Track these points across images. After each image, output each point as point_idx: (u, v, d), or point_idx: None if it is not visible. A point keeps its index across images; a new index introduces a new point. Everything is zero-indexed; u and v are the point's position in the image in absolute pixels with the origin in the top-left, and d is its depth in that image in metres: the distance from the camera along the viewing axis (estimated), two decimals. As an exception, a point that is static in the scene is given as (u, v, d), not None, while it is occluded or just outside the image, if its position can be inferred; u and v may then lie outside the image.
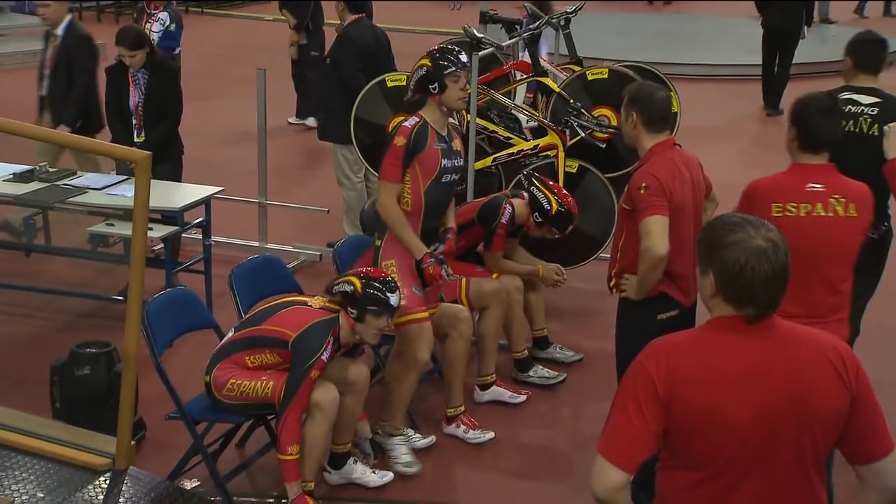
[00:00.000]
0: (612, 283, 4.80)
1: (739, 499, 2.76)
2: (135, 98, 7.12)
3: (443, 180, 5.21)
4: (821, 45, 14.77)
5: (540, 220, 5.88)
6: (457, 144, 5.32)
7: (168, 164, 7.06)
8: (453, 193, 5.42)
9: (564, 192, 6.06)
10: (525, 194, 6.01)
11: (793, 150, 4.41)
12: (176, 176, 7.22)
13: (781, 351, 2.74)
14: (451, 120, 5.47)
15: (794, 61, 12.68)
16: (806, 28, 12.40)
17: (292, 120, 11.67)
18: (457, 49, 5.28)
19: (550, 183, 6.06)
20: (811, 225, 4.20)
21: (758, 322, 2.74)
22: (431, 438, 5.49)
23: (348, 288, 4.80)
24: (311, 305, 4.87)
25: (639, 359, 2.80)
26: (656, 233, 4.51)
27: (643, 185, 4.56)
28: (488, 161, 6.70)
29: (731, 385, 2.70)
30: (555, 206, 5.91)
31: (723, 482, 2.75)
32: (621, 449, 2.73)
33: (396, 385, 5.31)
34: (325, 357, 4.68)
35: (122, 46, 7.04)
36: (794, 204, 4.26)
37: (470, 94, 5.22)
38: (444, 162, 5.19)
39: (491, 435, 5.56)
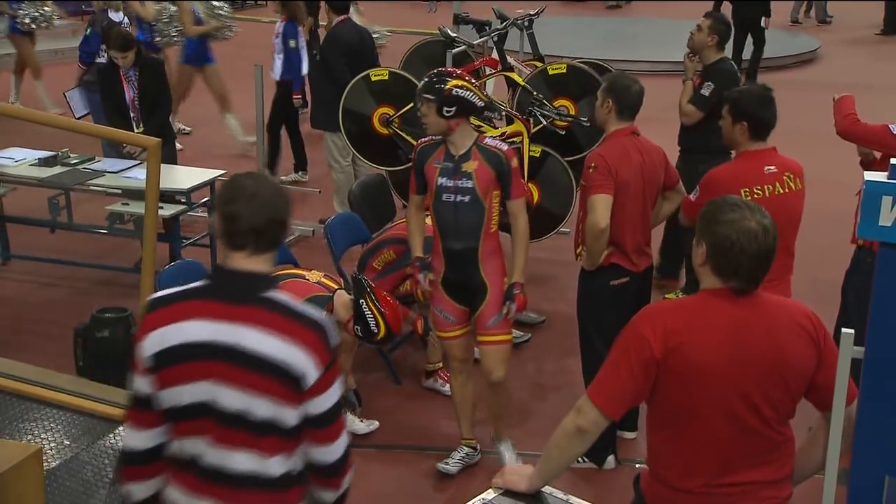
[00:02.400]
0: (578, 251, 4.83)
1: (714, 444, 2.78)
2: (129, 94, 7.02)
3: (442, 199, 4.52)
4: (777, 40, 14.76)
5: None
6: (470, 166, 4.48)
7: (165, 149, 6.99)
8: (470, 217, 4.51)
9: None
10: None
11: (742, 141, 4.42)
12: (173, 159, 7.14)
13: (762, 316, 2.77)
14: (491, 142, 4.58)
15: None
16: (765, 18, 12.46)
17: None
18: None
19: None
20: (775, 203, 4.17)
21: (744, 295, 2.77)
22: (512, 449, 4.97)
23: (373, 326, 4.81)
24: (307, 279, 4.85)
25: (634, 322, 2.82)
26: (599, 208, 4.53)
27: (592, 165, 4.58)
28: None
29: (719, 344, 2.73)
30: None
31: (702, 432, 2.77)
32: (610, 398, 2.80)
33: (453, 395, 4.96)
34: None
35: (113, 49, 6.93)
36: (759, 187, 4.31)
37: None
38: (441, 180, 4.51)
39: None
